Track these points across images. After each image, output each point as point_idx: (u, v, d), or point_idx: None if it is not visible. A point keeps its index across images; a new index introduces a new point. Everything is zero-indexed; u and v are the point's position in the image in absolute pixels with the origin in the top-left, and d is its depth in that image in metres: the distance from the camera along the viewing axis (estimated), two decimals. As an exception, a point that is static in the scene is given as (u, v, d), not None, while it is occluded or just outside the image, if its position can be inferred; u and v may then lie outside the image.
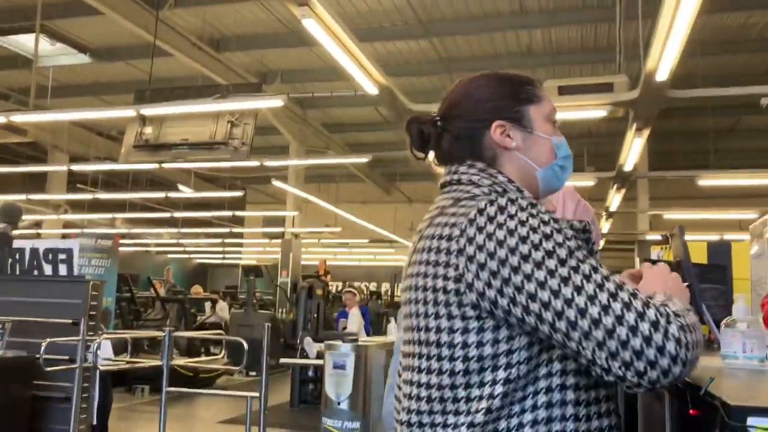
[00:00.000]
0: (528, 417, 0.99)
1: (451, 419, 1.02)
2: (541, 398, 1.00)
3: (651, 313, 0.91)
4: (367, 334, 8.35)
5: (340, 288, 17.51)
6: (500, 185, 1.11)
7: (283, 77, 11.41)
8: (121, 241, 15.73)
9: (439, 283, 1.04)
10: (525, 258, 0.96)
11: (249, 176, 15.79)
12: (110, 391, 5.57)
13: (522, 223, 0.98)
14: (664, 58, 5.44)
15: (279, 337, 10.13)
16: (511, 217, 0.99)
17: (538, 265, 0.95)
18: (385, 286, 21.54)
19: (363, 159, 12.67)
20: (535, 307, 0.95)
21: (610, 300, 0.92)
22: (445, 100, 1.23)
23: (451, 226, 1.05)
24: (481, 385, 1.00)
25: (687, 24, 4.67)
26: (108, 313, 6.81)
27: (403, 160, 15.83)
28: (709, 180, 9.61)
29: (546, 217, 1.00)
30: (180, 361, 7.64)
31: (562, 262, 0.95)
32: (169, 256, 24.78)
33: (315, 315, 9.30)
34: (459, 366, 1.01)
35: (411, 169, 17.35)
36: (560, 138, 1.21)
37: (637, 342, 0.89)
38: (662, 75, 5.79)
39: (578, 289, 0.93)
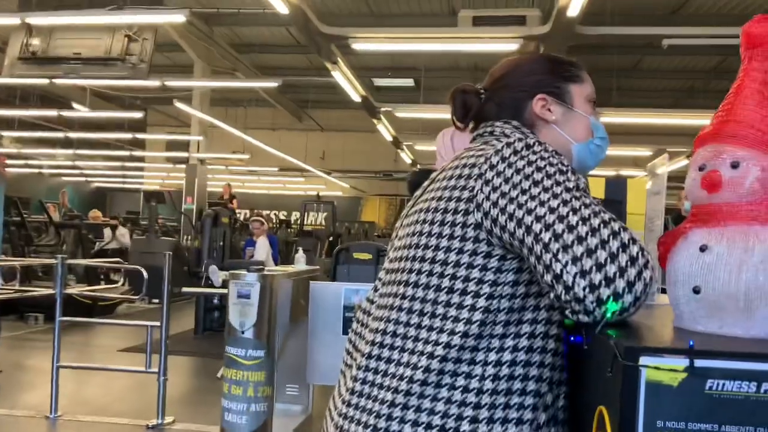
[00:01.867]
0: (507, 356, 1.03)
1: (423, 334, 1.06)
2: (523, 341, 1.04)
3: (634, 249, 0.93)
4: (275, 263, 8.30)
5: (248, 216, 17.25)
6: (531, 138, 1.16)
7: (187, -9, 10.69)
8: (11, 162, 14.67)
9: (452, 204, 1.09)
10: (535, 183, 1.02)
11: (150, 96, 14.95)
12: (-3, 321, 5.28)
13: (542, 158, 1.05)
14: (576, -6, 5.49)
15: (183, 266, 9.90)
16: (534, 152, 1.06)
17: (545, 189, 1.00)
18: (295, 215, 21.44)
19: (273, 83, 12.24)
20: (528, 219, 0.99)
21: (601, 226, 0.95)
22: (491, 75, 1.30)
23: (477, 157, 1.11)
24: (460, 307, 1.04)
25: (600, -40, 4.69)
26: (-6, 239, 6.38)
27: (315, 86, 15.48)
28: (610, 117, 9.98)
29: (566, 162, 1.06)
30: (75, 289, 7.33)
31: (568, 190, 1.00)
32: (65, 179, 23.43)
33: (221, 243, 9.13)
34: (445, 283, 1.06)
35: (323, 96, 17.01)
36: (598, 120, 1.27)
37: (611, 269, 0.91)
38: (574, 11, 5.85)
39: (574, 211, 0.97)
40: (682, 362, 0.75)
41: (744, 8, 9.93)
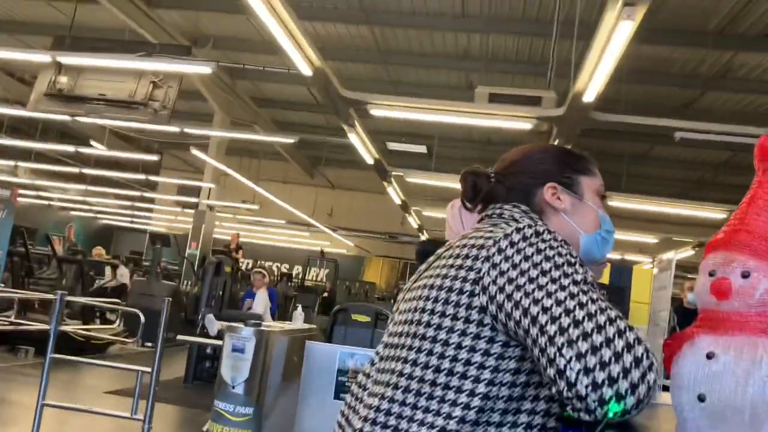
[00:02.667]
0: None
1: (419, 415, 1.04)
2: (519, 431, 1.02)
3: (639, 350, 0.92)
4: (273, 317, 8.23)
5: (250, 266, 17.23)
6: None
7: (215, 44, 11.02)
8: (23, 192, 14.81)
9: (457, 284, 1.08)
10: (543, 273, 1.01)
11: (167, 141, 15.20)
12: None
13: (551, 247, 1.05)
14: (593, 81, 5.61)
15: (180, 311, 9.83)
16: (544, 240, 1.06)
17: (553, 280, 1.00)
18: (297, 269, 21.39)
19: (289, 139, 12.45)
20: (534, 310, 0.98)
21: (607, 323, 0.94)
22: (503, 160, 1.33)
23: (486, 239, 1.11)
24: (459, 390, 1.03)
25: (618, 51, 4.83)
26: (-4, 267, 6.38)
27: (329, 145, 15.71)
28: (618, 202, 10.05)
29: (574, 254, 1.06)
30: (70, 326, 7.26)
31: (576, 283, 0.99)
32: (73, 213, 23.58)
33: (221, 292, 9.08)
34: (445, 364, 1.05)
35: (336, 155, 17.24)
36: (606, 213, 1.29)
37: (616, 369, 0.90)
38: (589, 97, 5.97)
39: (581, 305, 0.96)
40: (684, 474, 0.74)
41: (757, 106, 10.13)
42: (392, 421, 1.07)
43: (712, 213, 10.65)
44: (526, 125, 6.81)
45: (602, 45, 4.74)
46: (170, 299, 4.66)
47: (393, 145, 14.94)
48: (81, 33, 9.10)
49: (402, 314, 1.19)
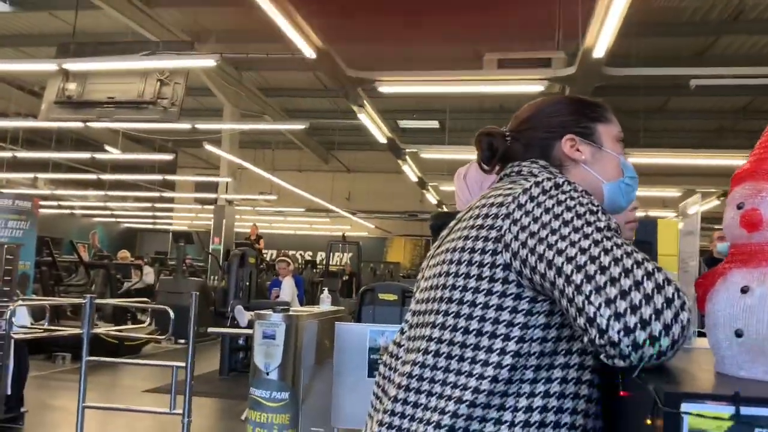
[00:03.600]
0: (538, 402, 1.00)
1: (451, 378, 1.03)
2: (554, 387, 1.01)
3: (669, 290, 0.90)
4: (301, 304, 8.28)
5: (274, 256, 17.33)
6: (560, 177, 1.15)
7: (217, 37, 10.99)
8: (44, 203, 15.00)
9: (479, 244, 1.07)
10: (565, 223, 0.99)
11: (180, 139, 15.27)
12: (26, 360, 5.32)
13: (572, 198, 1.03)
14: (602, 36, 5.51)
15: (210, 306, 9.93)
16: (564, 192, 1.04)
17: (576, 229, 0.98)
18: (321, 255, 21.49)
19: (300, 126, 12.43)
20: (559, 260, 0.96)
21: (634, 266, 0.92)
22: (515, 118, 1.30)
23: (504, 196, 1.09)
24: (489, 350, 1.01)
25: (624, 3, 4.72)
26: (26, 278, 6.48)
27: (341, 129, 15.68)
28: (637, 158, 9.91)
29: (596, 202, 1.04)
30: (102, 329, 7.38)
31: (599, 230, 0.97)
32: (96, 219, 23.88)
33: (247, 283, 9.15)
34: (474, 325, 1.03)
35: (349, 138, 17.21)
36: (627, 159, 1.27)
37: (647, 311, 0.88)
38: (599, 52, 5.87)
39: (606, 251, 0.94)
40: (727, 410, 0.71)
41: (772, 48, 9.88)
42: (426, 386, 1.07)
43: (735, 160, 10.47)
44: (538, 87, 6.72)
45: (608, -2, 4.64)
46: (198, 294, 4.70)
47: (405, 123, 14.87)
48: (84, 39, 9.13)
49: (428, 280, 1.18)
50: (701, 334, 1.32)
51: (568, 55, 6.92)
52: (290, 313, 4.04)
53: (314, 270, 18.19)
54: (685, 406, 0.73)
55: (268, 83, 13.74)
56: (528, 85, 6.71)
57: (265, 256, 14.64)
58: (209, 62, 6.40)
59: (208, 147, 11.65)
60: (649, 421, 0.76)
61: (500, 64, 6.71)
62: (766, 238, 0.87)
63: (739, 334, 0.85)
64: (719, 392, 0.76)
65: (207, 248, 13.85)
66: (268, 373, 3.73)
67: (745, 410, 0.71)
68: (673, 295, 0.90)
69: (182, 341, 9.03)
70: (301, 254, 21.89)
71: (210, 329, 5.71)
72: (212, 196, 14.87)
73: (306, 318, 4.07)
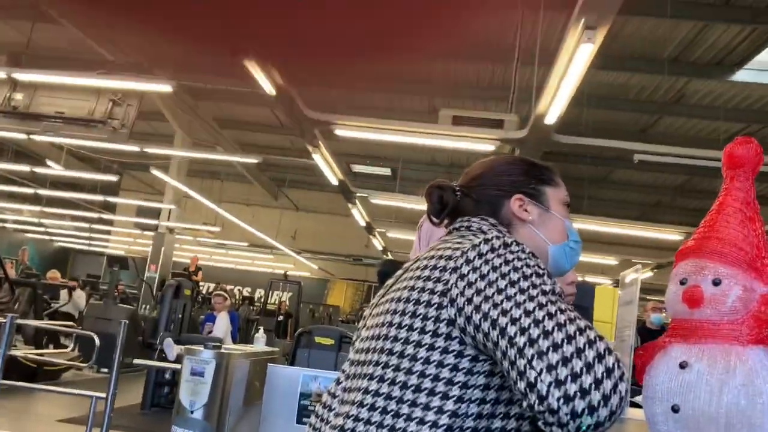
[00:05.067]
0: None
1: None
2: None
3: (610, 360, 0.90)
4: (234, 341, 8.06)
5: (211, 289, 16.92)
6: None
7: (176, 64, 10.89)
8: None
9: (425, 296, 1.06)
10: (512, 283, 0.99)
11: (127, 161, 14.92)
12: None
13: (519, 258, 1.03)
14: (554, 105, 5.71)
15: (138, 335, 9.56)
16: (512, 252, 1.04)
17: (521, 290, 0.98)
18: (260, 293, 21.09)
19: (253, 159, 12.35)
20: (503, 321, 0.95)
21: (577, 333, 0.92)
22: (467, 174, 1.32)
23: (453, 249, 1.09)
24: (426, 408, 0.99)
25: (579, 73, 4.92)
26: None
27: (293, 167, 15.64)
28: (579, 224, 10.19)
29: (542, 265, 1.05)
30: (20, 351, 6.99)
31: (544, 293, 0.97)
32: (28, 235, 22.91)
33: (180, 316, 8.87)
34: (413, 380, 1.01)
35: (301, 177, 17.17)
36: (572, 223, 1.28)
37: (588, 380, 0.87)
38: (550, 119, 6.07)
39: (550, 315, 0.94)
40: (662, 487, 0.71)
41: (710, 132, 10.44)
42: None
43: (670, 235, 10.90)
44: (489, 147, 6.88)
45: (564, 66, 4.83)
46: (127, 322, 4.52)
47: (358, 168, 14.96)
48: (39, 52, 8.91)
49: (369, 330, 1.16)
50: (633, 404, 1.33)
51: (520, 118, 7.14)
52: (222, 350, 3.91)
53: (251, 307, 17.81)
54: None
55: (223, 115, 13.65)
56: (480, 144, 6.86)
57: (202, 288, 14.26)
58: (165, 88, 6.31)
59: (155, 172, 11.41)
60: (584, 494, 0.75)
61: (455, 120, 6.85)
62: (706, 315, 0.88)
63: (675, 409, 0.86)
64: (655, 468, 0.75)
65: (142, 276, 13.42)
66: (192, 412, 3.58)
67: (680, 489, 0.71)
68: (613, 365, 0.90)
69: (105, 370, 8.63)
70: (239, 290, 21.43)
71: (136, 360, 5.47)
72: (154, 222, 14.51)
73: (238, 357, 3.94)
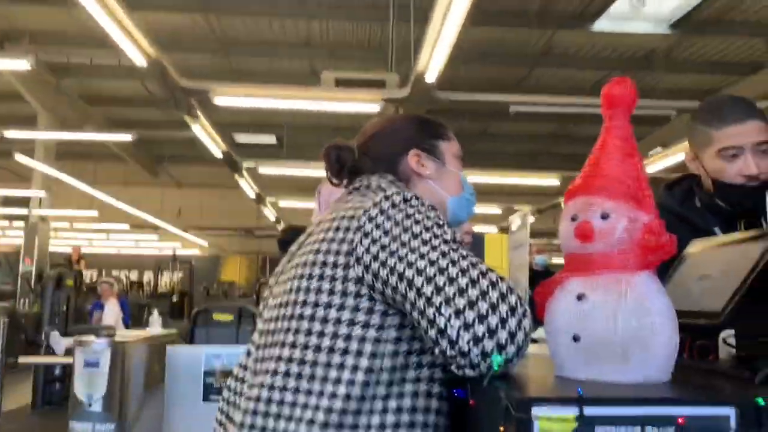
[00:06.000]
0: (390, 418, 1.00)
1: (302, 399, 1.00)
2: (406, 401, 1.01)
3: (512, 299, 0.95)
4: (126, 328, 7.75)
5: (95, 278, 16.07)
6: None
7: (31, 38, 10.03)
8: None
9: (330, 258, 1.07)
10: (414, 236, 1.02)
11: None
12: None
13: (419, 212, 1.06)
14: (433, 61, 5.79)
15: (20, 333, 8.94)
16: (412, 206, 1.07)
17: (424, 242, 1.01)
18: (148, 276, 20.27)
19: (126, 137, 11.67)
20: (409, 273, 0.98)
21: (480, 277, 0.96)
22: (363, 133, 1.33)
23: (355, 209, 1.10)
24: (342, 368, 0.99)
25: (454, 30, 5.01)
26: None
27: (172, 141, 14.97)
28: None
29: (441, 216, 1.09)
30: None
31: (446, 242, 1.01)
32: None
33: (64, 308, 8.38)
34: (326, 342, 1.02)
35: (180, 151, 16.46)
36: (465, 177, 1.34)
37: (493, 320, 0.92)
38: (430, 77, 6.16)
39: (453, 262, 0.97)
40: (572, 411, 0.75)
41: (578, 81, 11.01)
42: (274, 409, 1.03)
43: (548, 180, 11.52)
44: (374, 107, 6.90)
45: (439, 23, 4.90)
46: (6, 321, 4.21)
47: (241, 137, 14.55)
48: None
49: (276, 297, 1.15)
50: (533, 341, 1.39)
51: (401, 78, 7.19)
52: (116, 338, 3.75)
53: (141, 291, 17.10)
54: (535, 411, 0.76)
55: (90, 91, 12.75)
56: (364, 105, 6.87)
57: (85, 277, 13.48)
58: (20, 64, 5.78)
59: (19, 156, 10.54)
60: (501, 428, 0.78)
61: (337, 82, 6.81)
62: (597, 248, 0.94)
63: (576, 338, 0.91)
64: (564, 395, 0.80)
65: (16, 270, 12.49)
66: (90, 405, 3.42)
67: (588, 410, 0.75)
68: (516, 303, 0.95)
69: (-15, 375, 8.02)
70: (126, 275, 20.47)
71: (21, 359, 5.13)
72: (23, 211, 13.47)
73: (134, 342, 3.79)
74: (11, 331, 5.44)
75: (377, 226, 1.05)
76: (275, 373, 1.05)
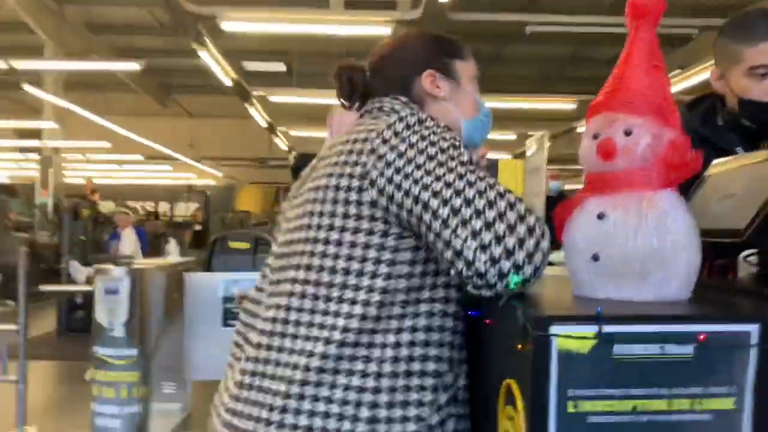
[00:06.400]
0: (406, 336, 1.00)
1: (318, 319, 1.01)
2: (422, 321, 1.02)
3: (530, 220, 0.93)
4: (144, 257, 7.88)
5: (113, 208, 16.23)
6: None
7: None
8: None
9: (344, 181, 1.05)
10: (430, 158, 0.99)
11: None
12: None
13: (435, 133, 1.04)
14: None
15: (41, 263, 9.14)
16: (427, 127, 1.04)
17: (440, 164, 0.99)
18: (164, 206, 20.46)
19: (134, 66, 11.49)
20: (425, 196, 0.96)
21: (497, 198, 0.94)
22: (374, 54, 1.27)
23: (368, 131, 1.07)
24: (357, 289, 1.00)
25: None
26: None
27: (181, 70, 14.77)
28: (478, 102, 10.30)
29: (457, 137, 1.06)
30: None
31: (462, 164, 0.99)
32: None
33: (82, 238, 8.52)
34: (341, 264, 1.02)
35: (190, 80, 16.27)
36: (480, 97, 1.28)
37: (511, 241, 0.91)
38: (444, -3, 5.96)
39: (470, 184, 0.95)
40: (591, 329, 0.75)
41: (596, 0, 10.61)
42: (291, 329, 1.04)
43: (564, 104, 11.31)
44: (385, 30, 6.71)
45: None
46: (27, 250, 4.28)
47: (250, 65, 14.31)
48: None
49: (290, 221, 1.14)
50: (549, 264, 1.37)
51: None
52: (134, 266, 3.81)
53: (157, 221, 17.30)
54: (553, 329, 0.75)
55: (95, 19, 12.51)
56: (375, 27, 6.68)
57: (102, 208, 13.63)
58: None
59: (28, 88, 10.45)
60: (519, 346, 0.78)
61: (347, 5, 6.62)
62: (619, 166, 0.91)
63: (596, 258, 0.90)
64: (583, 313, 0.79)
65: (32, 202, 12.65)
66: (112, 331, 3.51)
67: (607, 328, 0.75)
68: (534, 224, 0.93)
69: (12, 303, 8.26)
70: (141, 206, 20.67)
71: (43, 287, 5.25)
72: (36, 143, 13.49)
73: (152, 270, 3.85)
74: (33, 262, 5.54)
75: (391, 149, 1.02)
76: (292, 294, 1.06)
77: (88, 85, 15.71)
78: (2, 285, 5.44)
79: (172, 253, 4.93)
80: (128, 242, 8.05)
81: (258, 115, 13.17)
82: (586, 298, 0.92)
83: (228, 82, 10.15)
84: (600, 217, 0.90)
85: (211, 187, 20.10)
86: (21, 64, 9.46)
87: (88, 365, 3.65)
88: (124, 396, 3.48)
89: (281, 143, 17.18)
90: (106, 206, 13.74)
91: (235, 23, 6.60)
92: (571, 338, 0.75)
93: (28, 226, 13.45)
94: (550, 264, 1.24)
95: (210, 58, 8.63)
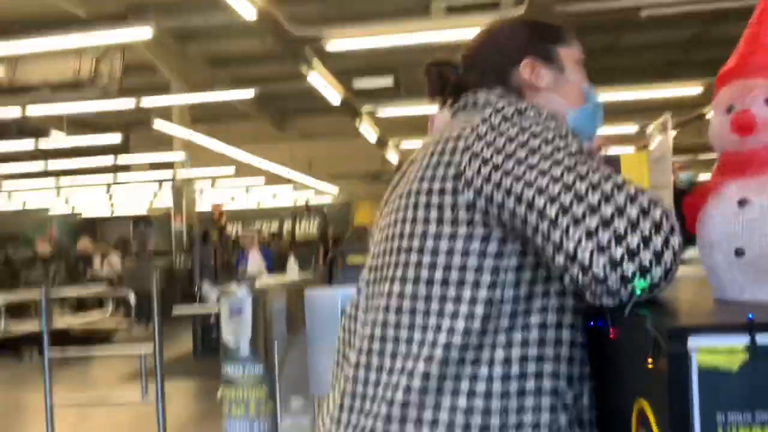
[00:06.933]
0: (516, 351, 0.90)
1: (418, 335, 0.93)
2: (533, 334, 0.91)
3: (657, 213, 0.79)
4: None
5: (240, 231, 17.07)
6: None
7: (155, 11, 10.51)
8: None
9: (437, 184, 0.96)
10: (533, 151, 0.88)
11: (131, 120, 14.75)
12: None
13: (537, 123, 0.93)
14: (549, -28, 5.38)
15: (176, 287, 9.75)
16: (528, 118, 0.95)
17: (545, 156, 0.87)
18: (287, 226, 21.27)
19: (247, 94, 12.07)
20: (529, 194, 0.86)
21: (615, 190, 0.81)
22: (468, 45, 1.19)
23: (462, 128, 0.99)
24: (458, 301, 0.91)
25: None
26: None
27: (294, 95, 15.31)
28: (593, 97, 9.86)
29: (564, 125, 0.96)
30: (61, 322, 7.17)
31: (571, 155, 0.87)
32: (51, 213, 23.15)
33: (212, 261, 8.99)
34: (438, 275, 0.93)
35: (304, 104, 16.85)
36: (590, 85, 1.15)
37: (634, 240, 0.77)
38: (548, -10, 5.74)
39: (581, 177, 0.83)
40: (741, 340, 0.61)
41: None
42: (390, 347, 0.96)
43: (689, 89, 10.58)
44: (489, 33, 6.58)
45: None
46: (160, 274, 4.55)
47: (358, 83, 14.59)
48: (5, 19, 8.63)
49: (382, 231, 1.06)
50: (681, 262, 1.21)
51: (515, -3, 6.78)
52: (256, 285, 3.92)
53: (281, 240, 18.00)
54: (692, 342, 0.62)
55: (213, 54, 13.28)
56: (478, 30, 6.56)
57: (230, 231, 14.38)
58: (144, 33, 6.06)
59: (158, 122, 11.24)
60: (650, 363, 0.66)
61: (448, 11, 6.55)
62: (762, 142, 0.76)
63: (739, 252, 0.75)
64: (729, 321, 0.65)
65: (169, 230, 13.56)
66: (238, 349, 3.62)
67: (762, 338, 0.61)
68: (661, 218, 0.79)
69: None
70: (266, 226, 21.64)
71: (175, 309, 5.57)
72: (167, 175, 14.46)
73: (272, 288, 3.95)
74: (169, 285, 5.90)
75: (488, 145, 0.93)
76: (387, 309, 0.99)
77: (212, 117, 16.70)
78: (144, 308, 5.83)
79: (292, 271, 5.05)
80: (254, 262, 8.37)
81: (368, 131, 13.38)
82: (730, 301, 0.77)
83: (336, 101, 10.38)
84: (741, 203, 0.76)
85: (329, 205, 20.63)
86: (148, 101, 10.19)
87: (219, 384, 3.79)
88: (252, 412, 3.57)
89: (394, 157, 17.35)
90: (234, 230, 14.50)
91: (340, 41, 6.72)
92: (715, 353, 0.61)
93: (163, 254, 14.46)
94: (683, 263, 1.09)
95: (319, 77, 8.86)
